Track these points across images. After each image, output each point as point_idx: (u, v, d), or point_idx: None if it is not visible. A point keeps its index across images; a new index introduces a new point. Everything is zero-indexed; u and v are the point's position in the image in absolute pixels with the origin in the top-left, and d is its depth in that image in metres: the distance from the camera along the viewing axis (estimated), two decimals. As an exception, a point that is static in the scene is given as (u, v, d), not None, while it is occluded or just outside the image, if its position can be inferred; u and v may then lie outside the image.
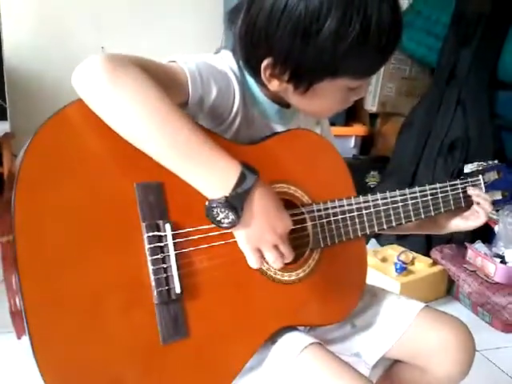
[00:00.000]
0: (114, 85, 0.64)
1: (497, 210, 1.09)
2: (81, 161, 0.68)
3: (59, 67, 2.66)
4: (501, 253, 2.05)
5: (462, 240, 2.20)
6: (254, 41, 0.76)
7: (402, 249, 2.14)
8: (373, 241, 2.53)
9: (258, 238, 0.70)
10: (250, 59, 0.79)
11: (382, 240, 2.51)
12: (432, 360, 0.90)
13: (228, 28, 0.81)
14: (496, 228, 2.12)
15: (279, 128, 0.88)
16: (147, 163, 0.68)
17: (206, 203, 0.67)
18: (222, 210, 0.66)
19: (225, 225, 0.67)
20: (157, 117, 0.65)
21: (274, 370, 0.77)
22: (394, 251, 2.16)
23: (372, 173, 2.79)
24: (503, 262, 2.00)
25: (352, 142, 2.90)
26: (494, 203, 1.04)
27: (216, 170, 0.66)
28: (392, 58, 2.80)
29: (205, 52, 0.85)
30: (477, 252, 2.08)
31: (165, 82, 0.69)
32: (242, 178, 0.66)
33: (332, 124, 2.78)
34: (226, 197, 0.65)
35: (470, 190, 0.99)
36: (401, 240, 2.39)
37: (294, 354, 0.76)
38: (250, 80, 0.83)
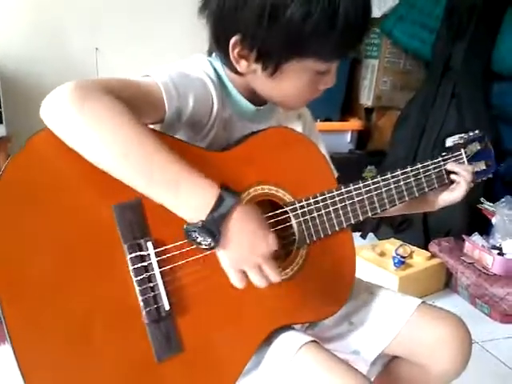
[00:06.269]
0: (82, 116, 0.64)
1: (483, 180, 1.06)
2: (55, 190, 0.67)
3: (54, 69, 2.65)
4: (498, 244, 2.07)
5: (460, 232, 2.21)
6: (223, 16, 0.76)
7: (400, 242, 2.14)
8: (370, 235, 2.54)
9: (239, 259, 0.70)
10: (219, 37, 0.79)
11: (380, 234, 2.52)
12: (429, 356, 0.91)
13: (201, 11, 0.80)
14: (493, 220, 2.13)
15: (257, 127, 0.87)
16: (121, 183, 0.66)
17: (184, 226, 0.67)
18: (199, 233, 0.66)
19: (204, 247, 0.68)
20: (129, 145, 0.65)
21: (272, 371, 0.78)
22: (391, 245, 2.17)
23: (369, 167, 2.79)
24: (501, 253, 2.01)
25: (348, 136, 2.90)
26: (477, 173, 1.03)
27: (194, 195, 0.66)
28: (386, 52, 2.83)
29: (201, 52, 0.86)
30: (474, 244, 2.09)
31: (139, 103, 0.70)
32: (219, 202, 0.66)
33: (328, 119, 2.84)
34: (202, 221, 0.66)
35: (448, 165, 0.99)
36: (399, 234, 2.40)
37: (290, 354, 0.77)
38: (226, 81, 0.84)
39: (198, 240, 0.67)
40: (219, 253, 0.70)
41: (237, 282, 0.71)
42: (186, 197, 0.66)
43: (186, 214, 0.67)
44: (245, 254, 0.70)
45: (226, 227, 0.67)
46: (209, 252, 0.72)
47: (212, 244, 0.67)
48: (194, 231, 0.66)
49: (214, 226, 0.66)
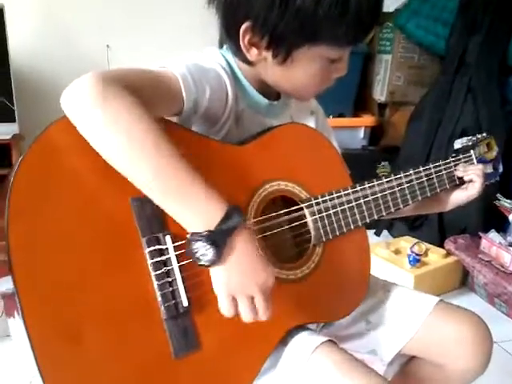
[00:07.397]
0: (101, 117, 0.62)
1: (491, 183, 1.07)
2: (72, 181, 0.66)
3: (66, 67, 2.65)
4: (516, 242, 2.03)
5: (476, 230, 2.18)
6: (233, 3, 0.75)
7: (415, 240, 2.11)
8: (385, 233, 2.51)
9: (236, 282, 0.66)
10: (230, 26, 0.78)
11: (395, 231, 2.49)
12: (449, 355, 0.89)
13: (209, 2, 0.79)
14: (510, 217, 2.10)
15: (270, 122, 0.86)
16: None
17: (188, 236, 0.64)
18: (203, 244, 0.62)
19: (204, 262, 0.64)
20: (142, 150, 0.62)
21: (288, 372, 0.76)
22: (406, 243, 2.14)
23: (382, 163, 2.76)
24: (518, 250, 1.97)
25: (361, 132, 2.87)
26: (486, 175, 1.02)
27: (201, 209, 0.63)
28: (399, 47, 2.79)
29: (212, 46, 0.85)
30: (491, 241, 2.06)
31: (158, 95, 0.69)
32: (226, 217, 0.63)
33: (340, 115, 2.82)
34: (210, 231, 0.63)
35: (459, 172, 0.98)
36: (414, 231, 2.37)
37: (306, 354, 0.75)
38: (239, 73, 0.83)
39: (199, 253, 0.63)
40: (216, 271, 0.65)
41: (225, 308, 0.67)
42: (194, 212, 0.64)
43: (192, 226, 0.64)
44: (243, 278, 0.66)
45: (231, 242, 0.64)
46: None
47: (214, 257, 0.63)
48: (198, 240, 0.63)
49: (220, 238, 0.63)
